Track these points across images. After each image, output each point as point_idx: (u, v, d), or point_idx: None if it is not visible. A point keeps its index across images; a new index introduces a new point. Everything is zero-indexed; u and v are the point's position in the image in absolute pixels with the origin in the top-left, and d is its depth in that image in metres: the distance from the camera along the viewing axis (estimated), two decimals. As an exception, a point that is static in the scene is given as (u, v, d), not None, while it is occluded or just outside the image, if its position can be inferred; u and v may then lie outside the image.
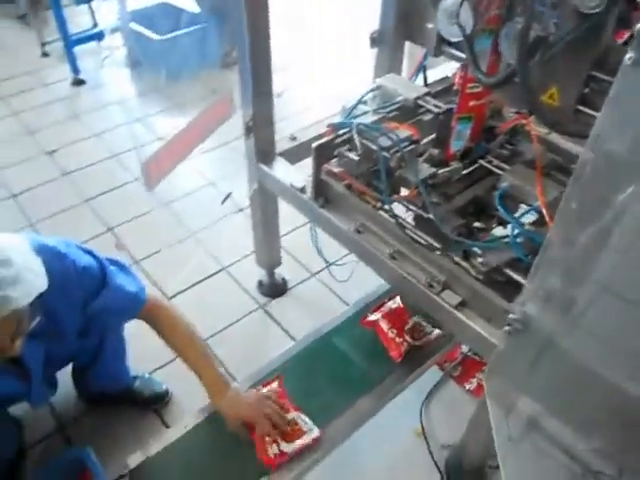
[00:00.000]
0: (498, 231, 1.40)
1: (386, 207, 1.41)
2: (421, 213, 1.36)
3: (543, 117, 1.18)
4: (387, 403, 1.64)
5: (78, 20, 3.93)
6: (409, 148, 1.39)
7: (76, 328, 1.41)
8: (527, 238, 1.23)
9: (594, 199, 0.85)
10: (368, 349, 1.71)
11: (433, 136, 1.53)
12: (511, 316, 1.07)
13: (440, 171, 1.37)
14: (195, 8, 3.72)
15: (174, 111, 3.40)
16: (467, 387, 1.93)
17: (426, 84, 1.69)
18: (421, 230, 1.37)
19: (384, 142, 1.37)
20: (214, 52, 3.67)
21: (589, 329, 1.01)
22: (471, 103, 1.38)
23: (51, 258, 1.21)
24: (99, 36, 3.95)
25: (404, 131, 1.42)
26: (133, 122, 3.30)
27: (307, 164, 1.62)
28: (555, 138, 1.48)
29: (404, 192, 1.42)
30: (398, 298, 1.77)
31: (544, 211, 1.20)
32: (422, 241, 1.36)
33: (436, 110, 1.49)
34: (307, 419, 1.49)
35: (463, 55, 1.32)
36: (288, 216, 2.06)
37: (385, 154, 1.35)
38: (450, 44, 1.36)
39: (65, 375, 1.72)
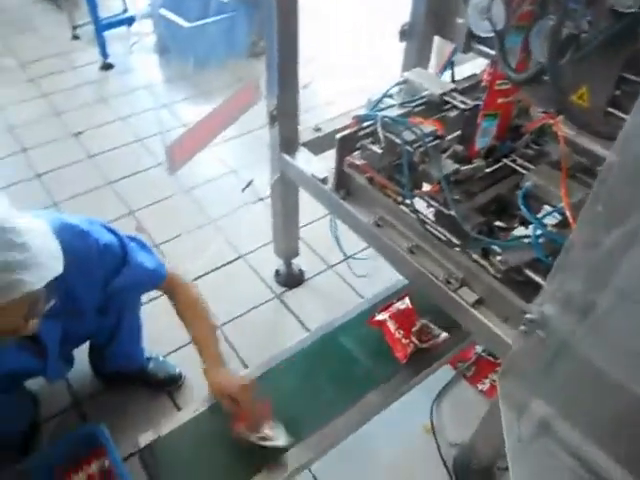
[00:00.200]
0: (519, 231, 1.38)
1: (407, 202, 1.40)
2: (442, 209, 1.35)
3: (572, 117, 1.17)
4: (392, 403, 1.64)
5: (109, 4, 3.98)
6: (433, 143, 1.38)
7: (95, 306, 1.43)
8: (549, 239, 1.22)
9: (619, 202, 0.84)
10: (374, 348, 1.72)
11: (458, 133, 1.52)
12: (528, 316, 1.06)
13: (463, 168, 1.36)
14: (225, -4, 3.73)
15: (200, 99, 3.42)
16: (480, 387, 1.91)
17: (453, 80, 1.68)
18: (441, 226, 1.36)
19: (408, 136, 1.36)
20: (242, 41, 3.68)
21: (608, 335, 0.99)
22: (499, 100, 1.36)
23: (73, 236, 1.22)
24: (129, 21, 3.99)
25: (429, 126, 1.41)
26: (159, 108, 3.33)
27: (330, 156, 1.62)
28: (582, 140, 1.45)
29: (426, 187, 1.41)
30: (407, 299, 1.77)
31: (568, 213, 1.19)
32: (442, 237, 1.35)
33: (462, 106, 1.48)
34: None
35: (493, 52, 1.30)
36: (308, 208, 2.07)
37: (408, 148, 1.35)
38: (480, 40, 1.35)
39: (82, 353, 1.75)
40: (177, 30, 3.56)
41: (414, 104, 1.52)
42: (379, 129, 1.40)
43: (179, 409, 1.84)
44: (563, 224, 1.26)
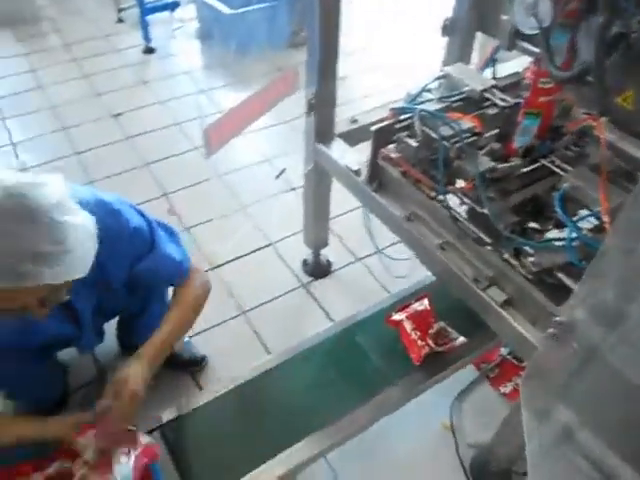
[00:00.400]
0: (552, 234, 1.36)
1: (440, 197, 1.39)
2: (475, 207, 1.33)
3: (615, 120, 1.14)
4: (405, 403, 1.63)
5: (154, -12, 4.02)
6: (470, 140, 1.37)
7: (123, 283, 1.45)
8: (583, 243, 1.20)
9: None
10: (393, 346, 1.70)
11: (496, 131, 1.50)
12: (557, 319, 1.04)
13: (500, 166, 1.34)
14: (268, -15, 3.74)
15: (238, 86, 3.45)
16: (502, 390, 1.89)
17: (494, 78, 1.65)
18: (473, 224, 1.35)
19: (445, 131, 1.35)
20: (282, 31, 3.69)
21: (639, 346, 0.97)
22: (541, 99, 1.34)
23: (106, 214, 1.24)
24: (173, 6, 4.03)
25: (467, 122, 1.40)
26: (198, 93, 3.37)
27: (364, 148, 1.61)
28: (624, 144, 1.42)
29: (459, 184, 1.40)
30: (426, 300, 1.74)
31: (605, 217, 1.16)
32: (473, 235, 1.33)
33: (502, 103, 1.46)
34: None
35: (537, 50, 1.28)
36: (339, 200, 2.07)
37: (445, 143, 1.33)
38: (524, 38, 1.32)
39: (110, 328, 1.79)
40: (219, 16, 3.59)
41: (453, 99, 1.50)
42: (416, 123, 1.39)
43: (201, 389, 1.87)
44: (599, 229, 1.24)
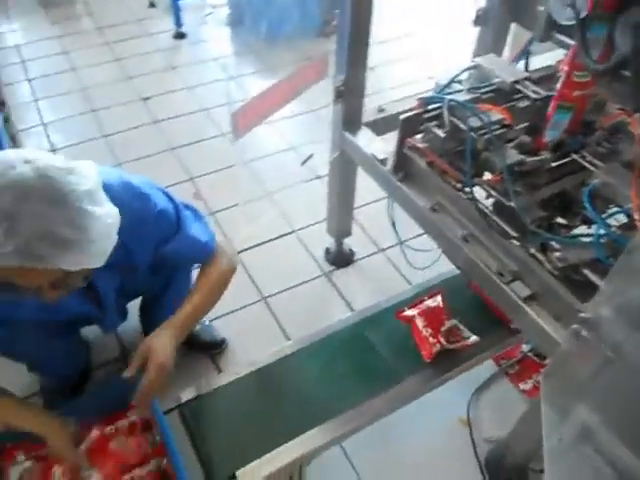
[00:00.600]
0: (580, 230, 1.34)
1: (466, 189, 1.37)
2: (502, 200, 1.31)
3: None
4: (414, 400, 1.62)
5: (187, -26, 4.03)
6: (499, 132, 1.35)
7: (147, 265, 1.46)
8: (611, 240, 1.17)
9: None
10: (402, 342, 1.68)
11: (526, 124, 1.48)
12: (581, 315, 1.03)
13: (529, 159, 1.32)
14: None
15: (267, 73, 3.44)
16: (521, 387, 1.88)
17: (527, 70, 1.62)
18: (499, 217, 1.33)
19: (474, 122, 1.34)
20: (313, 19, 3.67)
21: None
22: (575, 93, 1.31)
23: (133, 197, 1.24)
24: (205, -9, 4.04)
25: (496, 114, 1.38)
26: (226, 80, 3.38)
27: (391, 138, 1.60)
28: (659, 141, 1.39)
29: (487, 176, 1.38)
30: (439, 297, 1.71)
31: (636, 215, 1.14)
32: (498, 228, 1.32)
33: (534, 96, 1.43)
34: None
35: (572, 42, 1.25)
36: (364, 190, 2.07)
37: (473, 135, 1.32)
38: (560, 30, 1.29)
39: (133, 308, 1.81)
40: (250, 3, 3.58)
41: (483, 90, 1.48)
42: (445, 113, 1.38)
43: (220, 372, 1.89)
44: (628, 226, 1.22)
